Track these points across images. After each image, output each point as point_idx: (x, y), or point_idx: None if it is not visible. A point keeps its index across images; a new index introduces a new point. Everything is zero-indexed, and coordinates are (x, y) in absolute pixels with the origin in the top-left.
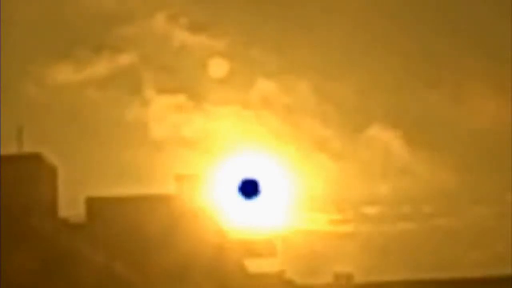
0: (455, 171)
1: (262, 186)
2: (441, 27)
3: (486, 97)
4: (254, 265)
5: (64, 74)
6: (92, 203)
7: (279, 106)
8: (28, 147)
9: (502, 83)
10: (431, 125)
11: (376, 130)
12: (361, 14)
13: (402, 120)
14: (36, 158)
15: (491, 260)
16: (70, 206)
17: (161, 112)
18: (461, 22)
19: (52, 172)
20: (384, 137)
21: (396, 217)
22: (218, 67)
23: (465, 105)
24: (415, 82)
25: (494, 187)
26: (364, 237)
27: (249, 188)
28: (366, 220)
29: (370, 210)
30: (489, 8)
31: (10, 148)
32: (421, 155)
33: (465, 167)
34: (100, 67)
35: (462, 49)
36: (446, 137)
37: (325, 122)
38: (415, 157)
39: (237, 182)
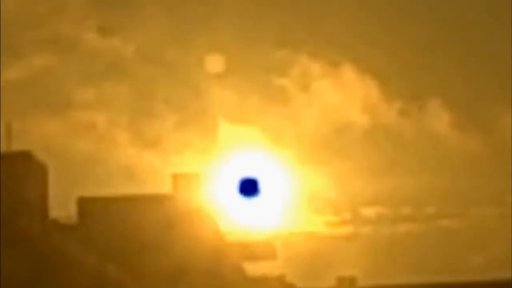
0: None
1: (262, 185)
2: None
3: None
4: (253, 268)
5: None
6: (84, 203)
7: None
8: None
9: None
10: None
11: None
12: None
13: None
14: (25, 157)
15: (495, 263)
16: (61, 207)
17: None
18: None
19: (42, 171)
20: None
21: (398, 219)
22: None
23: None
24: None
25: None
26: (366, 239)
27: (248, 187)
28: (368, 222)
29: (371, 211)
30: None
31: None
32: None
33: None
34: (15, 71)
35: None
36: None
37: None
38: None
39: (236, 181)
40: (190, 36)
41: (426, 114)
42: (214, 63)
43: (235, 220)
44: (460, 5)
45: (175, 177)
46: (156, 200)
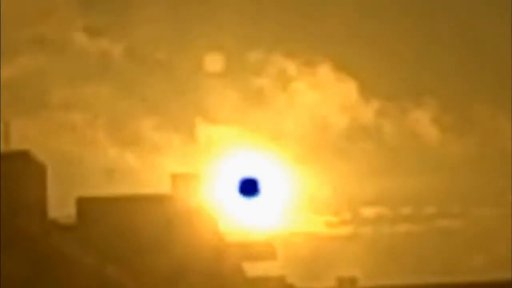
0: None
1: (262, 185)
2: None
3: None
4: (253, 269)
5: None
6: (83, 203)
7: None
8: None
9: None
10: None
11: None
12: None
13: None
14: (24, 156)
15: (495, 263)
16: (60, 207)
17: None
18: None
19: (41, 171)
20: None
21: (398, 219)
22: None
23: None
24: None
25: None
26: (366, 239)
27: (248, 188)
28: (368, 222)
29: (372, 211)
30: None
31: None
32: None
33: None
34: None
35: None
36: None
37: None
38: None
39: (236, 181)
40: (182, 36)
41: (420, 115)
42: (206, 64)
43: (235, 220)
44: (448, 2)
45: (175, 177)
46: (156, 200)
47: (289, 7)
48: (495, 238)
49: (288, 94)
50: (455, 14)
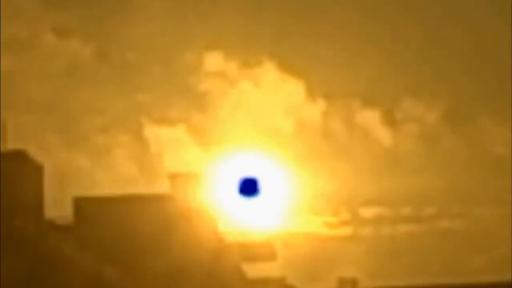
0: None
1: (262, 185)
2: None
3: None
4: (253, 270)
5: None
6: (81, 204)
7: None
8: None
9: None
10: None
11: None
12: None
13: None
14: (20, 156)
15: (496, 264)
16: (57, 207)
17: None
18: None
19: (38, 171)
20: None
21: (398, 219)
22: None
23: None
24: None
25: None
26: (366, 240)
27: (248, 187)
28: (368, 222)
29: (372, 212)
30: None
31: None
32: None
33: None
34: None
35: None
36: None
37: None
38: None
39: (235, 181)
40: (151, 38)
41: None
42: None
43: (234, 220)
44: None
45: (174, 177)
46: (154, 200)
47: (226, 7)
48: (496, 238)
49: (234, 94)
50: (411, 12)
